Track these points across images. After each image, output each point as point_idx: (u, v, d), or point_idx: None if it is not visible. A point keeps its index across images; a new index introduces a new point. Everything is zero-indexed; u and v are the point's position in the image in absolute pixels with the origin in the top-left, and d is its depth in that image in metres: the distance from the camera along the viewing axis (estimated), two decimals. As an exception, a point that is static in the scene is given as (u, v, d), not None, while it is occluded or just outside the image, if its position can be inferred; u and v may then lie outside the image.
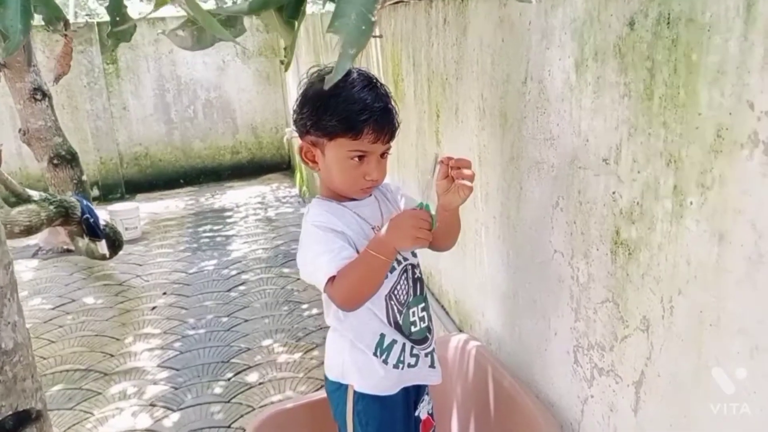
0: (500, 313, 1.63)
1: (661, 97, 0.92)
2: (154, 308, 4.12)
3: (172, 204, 6.54)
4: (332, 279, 1.20)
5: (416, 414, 1.45)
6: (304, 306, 4.01)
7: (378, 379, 1.32)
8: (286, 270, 4.62)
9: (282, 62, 1.62)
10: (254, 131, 7.23)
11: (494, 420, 1.50)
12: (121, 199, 6.66)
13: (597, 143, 1.09)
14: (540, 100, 1.27)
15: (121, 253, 4.81)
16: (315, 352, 3.43)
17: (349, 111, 1.18)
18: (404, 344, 1.33)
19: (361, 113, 1.18)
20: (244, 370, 3.30)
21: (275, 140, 7.32)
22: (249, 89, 7.06)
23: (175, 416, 2.93)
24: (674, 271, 0.94)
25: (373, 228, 1.29)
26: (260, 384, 3.16)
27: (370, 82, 1.22)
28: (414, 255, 1.37)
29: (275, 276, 4.52)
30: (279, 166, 7.42)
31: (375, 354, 1.31)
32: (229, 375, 3.27)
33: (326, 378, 1.42)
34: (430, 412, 1.49)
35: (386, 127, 1.21)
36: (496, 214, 1.55)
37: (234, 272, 4.63)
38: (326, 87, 0.88)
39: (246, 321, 3.86)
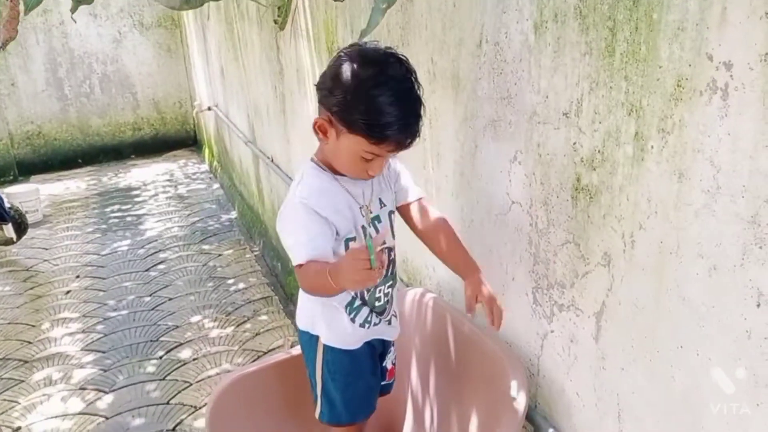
0: (453, 266, 1.72)
1: (622, 53, 1.02)
2: (68, 292, 3.94)
3: (73, 185, 6.19)
4: (298, 268, 1.26)
5: (383, 365, 1.55)
6: (230, 281, 3.98)
7: (345, 335, 1.42)
8: (206, 247, 4.54)
9: (276, 22, 1.58)
10: (156, 106, 6.95)
11: (456, 365, 1.61)
12: (14, 181, 6.23)
13: (557, 99, 1.19)
14: (496, 61, 1.36)
15: (23, 237, 4.54)
16: (247, 325, 3.43)
17: (377, 120, 1.17)
18: (369, 310, 1.44)
19: (389, 126, 1.17)
20: (176, 347, 3.26)
21: (179, 115, 7.08)
22: (149, 62, 6.76)
23: (108, 398, 2.86)
24: (635, 209, 1.06)
25: (361, 207, 1.35)
26: (194, 360, 3.14)
27: (405, 87, 1.19)
28: (393, 237, 1.44)
29: (195, 253, 4.43)
30: (184, 141, 7.19)
31: (345, 310, 1.40)
32: (161, 353, 3.21)
33: (297, 326, 1.48)
34: (393, 362, 1.59)
35: (409, 140, 1.22)
36: (449, 173, 1.64)
37: (151, 251, 4.50)
38: (360, 40, 0.91)
39: (170, 299, 3.78)
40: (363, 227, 1.35)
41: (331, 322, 1.42)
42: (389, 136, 1.19)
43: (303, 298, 1.48)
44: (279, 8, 1.27)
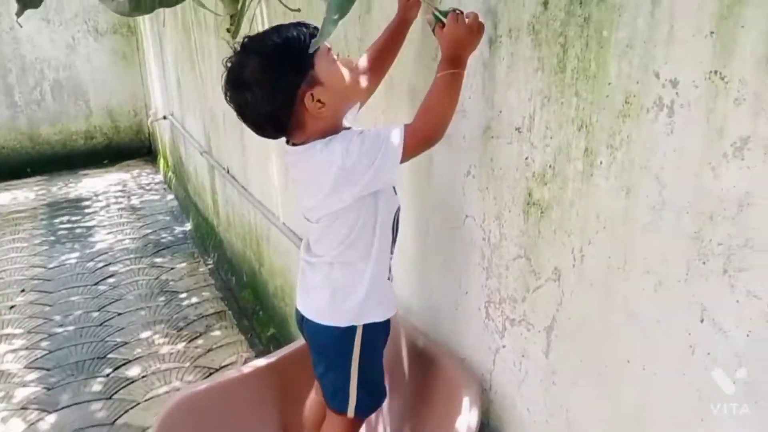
0: (408, 279, 1.71)
1: (573, 69, 1.03)
2: (12, 307, 3.79)
3: (21, 195, 5.99)
4: (406, 128, 1.22)
5: None
6: (182, 295, 3.89)
7: (391, 299, 1.43)
8: (158, 260, 4.43)
9: (228, 30, 1.55)
10: (110, 114, 6.80)
11: (410, 380, 1.59)
12: (-42, 191, 6.00)
13: (510, 113, 1.20)
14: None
15: (-35, 249, 4.36)
16: (199, 341, 3.35)
17: (301, 29, 1.23)
18: (390, 258, 1.42)
19: (303, 26, 1.24)
20: (124, 364, 3.16)
21: (134, 124, 6.94)
22: (103, 69, 6.61)
23: (51, 418, 2.75)
24: (584, 224, 1.07)
25: None
26: (143, 377, 3.05)
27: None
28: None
29: (147, 266, 4.32)
30: (139, 151, 7.04)
31: (386, 275, 1.40)
32: (108, 371, 3.11)
33: (325, 327, 1.38)
34: None
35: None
36: (404, 184, 1.63)
37: (101, 264, 4.37)
38: (311, 50, 0.88)
39: (120, 314, 3.67)
40: None
41: (379, 295, 1.38)
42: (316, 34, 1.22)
43: (337, 293, 1.37)
44: (232, 17, 1.24)
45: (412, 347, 1.58)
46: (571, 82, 1.04)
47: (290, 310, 2.86)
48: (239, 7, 1.00)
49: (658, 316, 0.96)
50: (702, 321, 0.89)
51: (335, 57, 1.27)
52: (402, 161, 1.22)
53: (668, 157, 0.89)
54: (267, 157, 2.77)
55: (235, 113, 1.29)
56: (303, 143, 1.29)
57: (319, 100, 1.23)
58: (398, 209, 1.40)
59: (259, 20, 2.47)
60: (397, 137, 1.20)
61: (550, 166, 1.12)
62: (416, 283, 1.67)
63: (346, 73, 1.28)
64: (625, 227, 0.99)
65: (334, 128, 1.31)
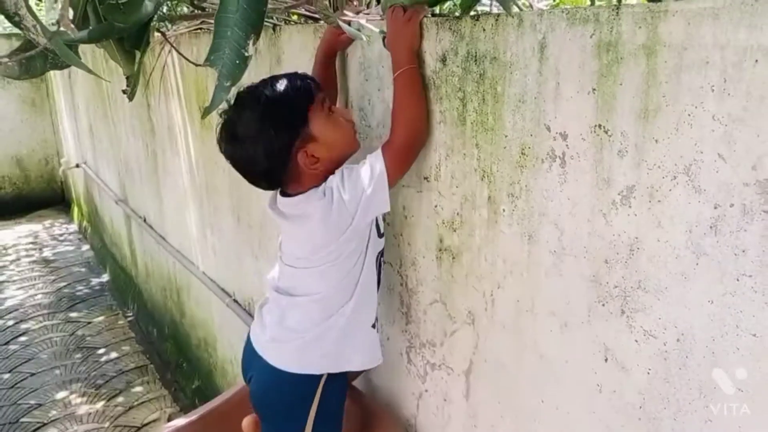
0: (330, 327, 1.70)
1: (472, 122, 1.07)
2: None
3: None
4: (384, 148, 1.18)
5: None
6: (101, 351, 3.72)
7: (375, 350, 1.35)
8: (73, 314, 4.23)
9: (125, 92, 1.48)
10: (19, 164, 6.50)
11: (335, 430, 1.57)
12: None
13: (418, 164, 1.23)
14: (361, 126, 1.38)
15: None
16: (119, 399, 3.21)
17: (295, 82, 1.20)
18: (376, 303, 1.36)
19: (296, 78, 1.21)
20: (39, 428, 2.99)
21: (45, 173, 6.66)
22: (11, 117, 6.33)
23: (-46, 496, 2.54)
24: (493, 269, 1.10)
25: None
26: (59, 442, 2.88)
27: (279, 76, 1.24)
28: None
29: (61, 322, 4.12)
30: (51, 201, 6.74)
31: (373, 327, 1.33)
32: (20, 437, 2.92)
33: (292, 375, 1.29)
34: None
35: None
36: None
37: (11, 322, 4.12)
38: (203, 118, 0.87)
39: (33, 375, 3.48)
40: None
41: (365, 347, 1.32)
42: (306, 80, 1.22)
43: (318, 341, 1.29)
44: (128, 78, 1.20)
45: (336, 396, 1.57)
46: (472, 134, 1.08)
47: (214, 360, 2.78)
48: (135, 69, 0.97)
49: (565, 356, 1.00)
50: (606, 360, 0.93)
51: (330, 108, 1.24)
52: (395, 178, 1.19)
53: (563, 205, 0.94)
54: (185, 206, 2.71)
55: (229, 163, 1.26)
56: (298, 193, 1.25)
57: (313, 155, 1.21)
58: (382, 250, 1.34)
59: (171, 70, 2.45)
60: (378, 162, 1.17)
61: (457, 214, 1.16)
62: (339, 330, 1.66)
63: (342, 125, 1.25)
64: (530, 271, 1.03)
65: (330, 174, 1.25)
